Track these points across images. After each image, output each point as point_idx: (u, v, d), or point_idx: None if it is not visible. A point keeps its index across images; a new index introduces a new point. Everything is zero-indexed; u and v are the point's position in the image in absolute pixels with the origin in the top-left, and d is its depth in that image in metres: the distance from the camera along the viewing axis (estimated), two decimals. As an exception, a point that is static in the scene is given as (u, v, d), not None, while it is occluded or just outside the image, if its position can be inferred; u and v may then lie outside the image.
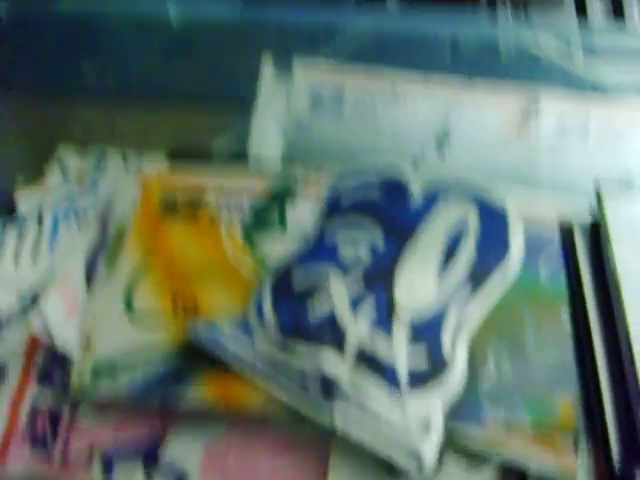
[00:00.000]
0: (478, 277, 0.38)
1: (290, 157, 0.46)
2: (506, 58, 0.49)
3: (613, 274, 0.37)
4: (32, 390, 0.38)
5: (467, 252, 0.39)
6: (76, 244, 0.41)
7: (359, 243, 0.40)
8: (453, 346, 0.36)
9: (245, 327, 0.37)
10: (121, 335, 0.38)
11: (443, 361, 0.36)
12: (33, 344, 0.38)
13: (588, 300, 0.38)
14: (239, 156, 0.45)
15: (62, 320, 0.38)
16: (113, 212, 0.42)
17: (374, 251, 0.39)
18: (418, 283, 0.38)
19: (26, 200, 0.43)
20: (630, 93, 0.48)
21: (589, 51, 0.48)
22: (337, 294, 0.38)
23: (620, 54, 0.48)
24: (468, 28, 0.49)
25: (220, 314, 0.38)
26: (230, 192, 0.42)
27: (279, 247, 0.40)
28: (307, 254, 0.40)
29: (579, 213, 0.41)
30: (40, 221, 0.42)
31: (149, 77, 0.47)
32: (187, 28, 0.45)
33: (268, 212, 0.42)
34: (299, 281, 0.39)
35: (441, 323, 0.37)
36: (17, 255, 0.41)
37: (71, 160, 0.45)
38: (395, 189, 0.42)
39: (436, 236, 0.40)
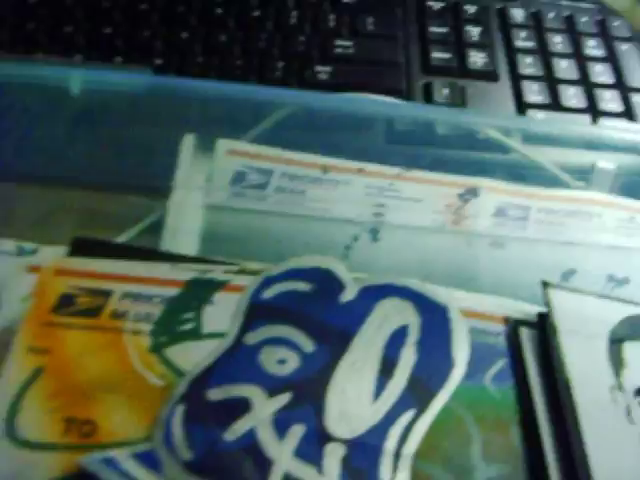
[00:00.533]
0: (420, 394, 0.34)
1: (209, 246, 0.42)
2: (443, 144, 0.47)
3: (562, 372, 0.35)
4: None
5: (407, 363, 0.35)
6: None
7: (286, 354, 0.35)
8: (393, 478, 0.32)
9: (151, 458, 0.32)
10: (1, 464, 0.32)
11: None
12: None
13: (538, 407, 0.35)
14: (151, 249, 0.40)
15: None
16: (0, 312, 0.36)
17: (303, 363, 0.35)
18: (353, 403, 0.34)
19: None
20: (569, 181, 0.47)
21: (528, 139, 0.46)
22: (260, 417, 0.33)
23: (558, 142, 0.47)
24: (404, 112, 0.47)
25: (122, 439, 0.32)
26: (139, 291, 0.37)
27: (193, 356, 0.35)
28: (226, 368, 0.35)
29: (523, 308, 0.39)
30: None
31: (54, 154, 0.42)
32: (90, 99, 0.41)
33: (181, 313, 0.36)
34: (215, 402, 0.33)
35: (379, 451, 0.33)
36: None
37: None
38: (327, 289, 0.38)
39: (373, 343, 0.35)
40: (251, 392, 0.34)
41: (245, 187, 0.44)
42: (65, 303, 0.36)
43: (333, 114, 0.45)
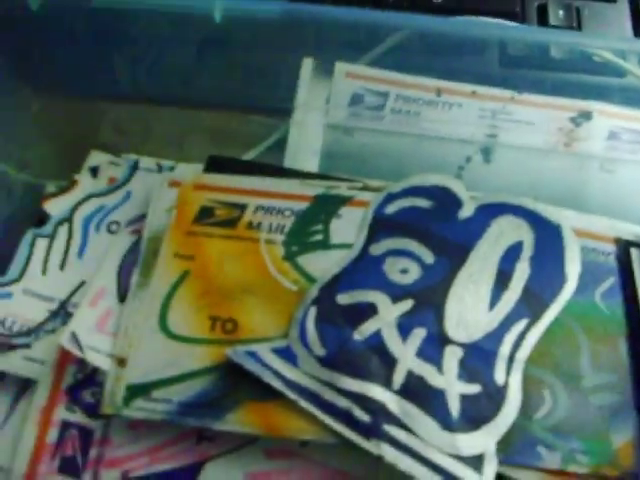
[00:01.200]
0: (534, 305, 0.36)
1: (329, 164, 0.44)
2: (557, 68, 0.47)
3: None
4: (62, 404, 0.36)
5: (521, 276, 0.37)
6: (108, 254, 0.39)
7: (408, 265, 0.37)
8: (507, 379, 0.35)
9: (288, 352, 0.35)
10: (156, 354, 0.36)
11: (497, 396, 0.34)
12: (63, 356, 0.37)
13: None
14: (278, 166, 0.43)
15: (93, 334, 0.37)
16: (147, 222, 0.40)
17: (424, 274, 0.37)
18: (470, 311, 0.36)
19: (56, 208, 0.41)
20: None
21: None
22: (385, 320, 0.36)
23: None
24: (519, 34, 0.47)
25: (261, 336, 0.36)
26: (271, 204, 0.40)
27: (323, 264, 0.38)
28: (352, 276, 0.37)
29: (634, 229, 0.40)
30: (70, 229, 0.41)
31: (186, 78, 0.45)
32: (228, 25, 0.43)
33: (311, 225, 0.39)
34: (344, 305, 0.36)
35: (494, 355, 0.35)
36: (46, 263, 0.40)
37: (103, 167, 0.43)
38: (446, 206, 0.39)
39: (489, 257, 0.37)
40: (376, 298, 0.36)
41: (362, 108, 0.46)
42: (205, 215, 0.40)
43: (447, 37, 0.46)
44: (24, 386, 0.38)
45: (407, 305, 0.36)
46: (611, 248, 0.39)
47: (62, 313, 0.38)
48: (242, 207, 0.40)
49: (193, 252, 0.39)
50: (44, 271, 0.40)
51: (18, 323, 0.38)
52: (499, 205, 0.39)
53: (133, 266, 0.38)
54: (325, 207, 0.40)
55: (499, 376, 0.35)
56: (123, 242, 0.40)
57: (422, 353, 0.35)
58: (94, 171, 0.43)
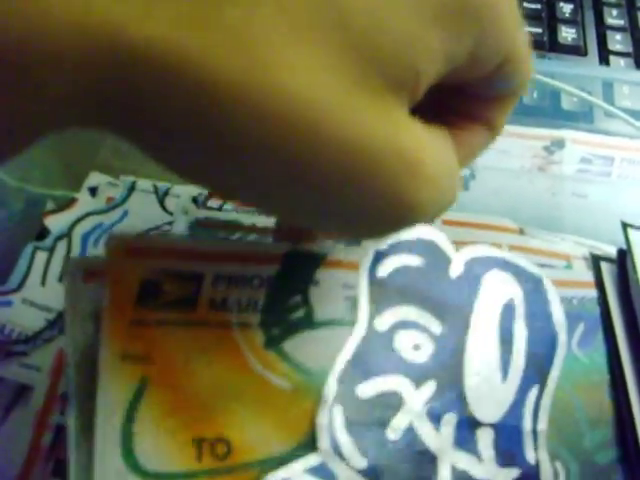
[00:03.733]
0: (538, 369, 0.34)
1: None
2: (529, 100, 0.50)
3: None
4: (57, 409, 0.37)
5: (521, 338, 0.34)
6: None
7: (419, 338, 0.33)
8: (537, 457, 0.32)
9: (325, 471, 0.29)
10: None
11: (534, 476, 0.32)
12: (59, 363, 0.38)
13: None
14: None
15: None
16: (67, 336, 0.30)
17: (436, 347, 0.33)
18: (487, 385, 0.33)
19: (56, 224, 0.44)
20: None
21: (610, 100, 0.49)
22: (414, 411, 0.31)
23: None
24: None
25: (266, 455, 0.28)
26: (234, 272, 0.31)
27: (314, 350, 0.31)
28: (367, 360, 0.31)
29: (604, 248, 0.42)
30: (69, 244, 0.43)
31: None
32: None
33: (288, 296, 0.32)
34: (368, 398, 0.31)
35: (520, 432, 0.32)
36: (45, 275, 0.42)
37: (102, 187, 0.45)
38: (435, 262, 0.35)
39: (490, 320, 0.34)
40: (398, 384, 0.31)
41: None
42: (150, 293, 0.30)
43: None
44: (20, 392, 0.39)
45: (430, 389, 0.32)
46: (575, 292, 0.38)
47: (60, 323, 0.40)
48: (198, 278, 0.30)
49: (147, 350, 0.29)
50: (43, 282, 0.42)
51: (16, 331, 0.39)
52: (485, 259, 0.37)
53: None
54: (299, 270, 0.32)
55: (530, 455, 0.32)
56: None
57: (458, 442, 0.31)
58: (93, 191, 0.45)
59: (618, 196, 0.47)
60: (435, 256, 0.35)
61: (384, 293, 0.33)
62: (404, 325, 0.33)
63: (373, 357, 0.32)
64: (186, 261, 0.31)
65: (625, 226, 0.41)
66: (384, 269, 0.34)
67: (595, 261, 0.41)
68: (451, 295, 0.34)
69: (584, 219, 0.46)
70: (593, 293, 0.39)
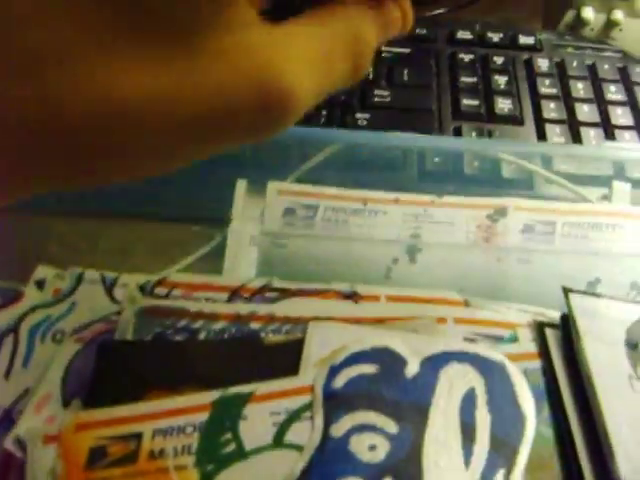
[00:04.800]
0: (504, 452, 0.35)
1: (266, 270, 0.47)
2: (471, 172, 0.52)
3: (584, 366, 0.38)
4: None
5: (484, 424, 0.36)
6: (53, 362, 0.41)
7: (374, 439, 0.35)
8: None
9: None
10: None
11: None
12: (6, 463, 0.38)
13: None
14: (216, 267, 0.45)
15: (38, 442, 0.36)
16: None
17: (392, 445, 0.34)
18: (449, 475, 0.34)
19: (2, 319, 0.43)
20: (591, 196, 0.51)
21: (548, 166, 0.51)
22: None
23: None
24: (434, 143, 0.52)
25: None
26: (169, 425, 0.36)
27: (246, 476, 0.34)
28: (323, 467, 0.34)
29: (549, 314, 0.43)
30: (16, 340, 0.42)
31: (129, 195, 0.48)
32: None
33: (219, 436, 0.35)
34: None
35: None
36: (-7, 372, 0.41)
37: (49, 279, 0.45)
38: (391, 366, 0.38)
39: (448, 413, 0.36)
40: None
41: (295, 219, 0.49)
42: (96, 457, 0.35)
43: (371, 152, 0.51)
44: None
45: None
46: (520, 365, 0.39)
47: (6, 420, 0.39)
48: (137, 437, 0.35)
49: None
50: (-10, 380, 0.41)
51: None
52: (441, 355, 0.39)
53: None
54: (227, 412, 0.36)
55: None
56: (68, 349, 0.41)
57: None
58: (40, 284, 0.45)
59: (561, 260, 0.48)
60: (390, 360, 0.38)
61: (339, 402, 0.36)
62: (359, 429, 0.35)
63: (329, 463, 0.34)
64: (127, 424, 0.36)
65: (566, 291, 0.42)
66: (339, 381, 0.37)
67: (540, 328, 0.42)
68: (407, 395, 0.37)
69: (529, 285, 0.47)
70: (537, 364, 0.40)
